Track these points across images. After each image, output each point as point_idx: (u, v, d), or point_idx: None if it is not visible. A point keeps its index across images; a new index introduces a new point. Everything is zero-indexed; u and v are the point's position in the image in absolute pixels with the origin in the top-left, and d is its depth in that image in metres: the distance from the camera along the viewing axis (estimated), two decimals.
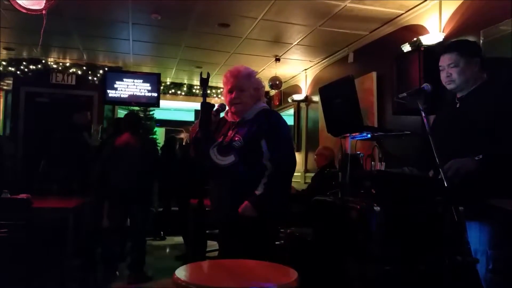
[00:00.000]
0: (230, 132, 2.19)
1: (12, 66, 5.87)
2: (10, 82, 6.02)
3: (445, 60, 1.99)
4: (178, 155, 5.92)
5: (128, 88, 6.15)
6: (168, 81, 7.06)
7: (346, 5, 3.75)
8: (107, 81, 6.07)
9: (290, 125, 6.45)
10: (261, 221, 2.05)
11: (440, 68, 2.02)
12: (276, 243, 2.93)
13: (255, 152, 2.09)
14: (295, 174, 5.72)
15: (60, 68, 6.06)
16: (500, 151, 1.78)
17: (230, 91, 2.20)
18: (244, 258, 1.75)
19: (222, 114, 2.32)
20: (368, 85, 4.35)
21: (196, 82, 7.08)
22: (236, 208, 2.05)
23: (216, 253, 3.05)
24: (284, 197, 2.16)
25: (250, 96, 2.18)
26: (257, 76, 2.30)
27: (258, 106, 2.21)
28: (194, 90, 7.27)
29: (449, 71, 1.97)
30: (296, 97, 6.16)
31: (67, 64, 6.08)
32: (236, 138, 2.12)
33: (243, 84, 2.18)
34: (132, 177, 3.91)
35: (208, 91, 6.64)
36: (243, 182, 2.07)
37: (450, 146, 1.88)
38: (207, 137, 2.09)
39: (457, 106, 2.00)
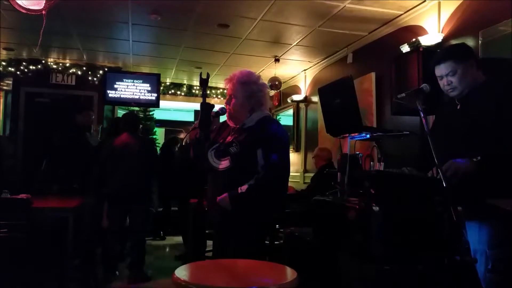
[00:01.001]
0: (230, 137, 2.20)
1: (12, 66, 5.87)
2: (10, 82, 6.01)
3: (442, 70, 1.97)
4: (177, 155, 5.93)
5: (128, 88, 6.16)
6: (168, 81, 7.06)
7: (345, 5, 3.75)
8: (107, 82, 6.07)
9: (290, 126, 6.47)
10: (253, 222, 2.06)
11: (438, 78, 2.01)
12: (276, 243, 2.94)
13: (251, 159, 2.09)
14: (294, 174, 5.71)
15: (60, 68, 6.06)
16: (499, 152, 1.78)
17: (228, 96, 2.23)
18: (238, 258, 1.76)
19: (224, 118, 2.32)
20: (367, 85, 4.35)
21: (196, 82, 7.09)
22: (228, 211, 2.07)
23: None
24: (272, 202, 2.13)
25: (240, 104, 2.17)
26: (260, 81, 2.24)
27: (259, 114, 2.20)
28: (193, 91, 7.28)
29: (449, 79, 1.96)
30: (296, 97, 6.17)
31: (67, 65, 6.08)
32: (234, 144, 2.13)
33: (235, 91, 2.18)
34: (131, 177, 3.91)
35: (208, 92, 6.65)
36: (237, 187, 2.07)
37: (450, 147, 1.88)
38: (206, 138, 2.11)
39: (458, 107, 2.01)
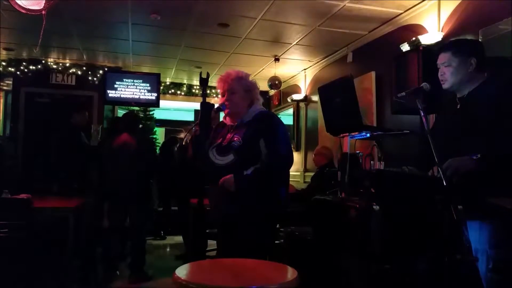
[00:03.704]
0: (229, 134, 2.22)
1: (12, 67, 5.87)
2: (10, 82, 6.02)
3: (440, 59, 2.00)
4: (175, 155, 5.93)
5: (128, 88, 6.15)
6: (168, 81, 7.06)
7: (345, 4, 3.75)
8: (107, 81, 6.06)
9: (290, 125, 6.47)
10: (257, 220, 2.06)
11: (438, 66, 2.03)
12: (276, 242, 2.94)
13: (254, 151, 2.12)
14: (294, 173, 5.70)
15: (60, 68, 6.06)
16: (498, 150, 1.78)
17: (222, 95, 2.26)
18: (242, 257, 1.76)
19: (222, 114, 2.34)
20: (367, 84, 4.35)
21: (196, 82, 7.08)
22: (234, 208, 2.07)
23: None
24: (277, 192, 2.16)
25: (241, 98, 2.23)
26: (251, 78, 2.34)
27: (255, 108, 2.25)
28: (193, 90, 7.28)
29: (442, 69, 1.98)
30: (296, 96, 6.17)
31: (67, 65, 6.08)
32: (235, 139, 2.16)
33: (233, 86, 2.22)
34: (131, 177, 3.91)
35: (208, 91, 6.65)
36: None
37: (451, 146, 1.88)
38: (206, 137, 2.12)
39: (458, 107, 2.01)
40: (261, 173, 2.08)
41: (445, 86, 1.99)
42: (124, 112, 5.61)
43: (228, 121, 2.29)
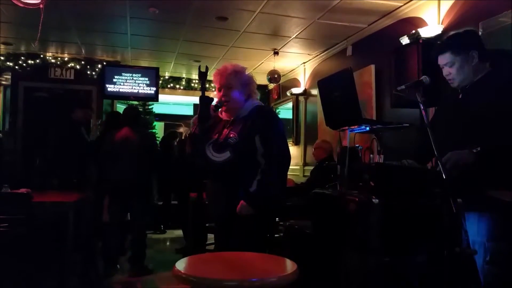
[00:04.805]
0: (225, 130, 2.20)
1: (10, 61, 5.85)
2: (9, 77, 6.00)
3: (442, 60, 1.98)
4: (175, 149, 5.93)
5: (126, 82, 6.13)
6: (167, 75, 7.04)
7: None
8: (106, 76, 6.04)
9: (289, 119, 6.46)
10: (256, 215, 2.06)
11: (441, 66, 2.01)
12: (275, 235, 2.95)
13: (250, 148, 2.10)
14: (294, 167, 5.72)
15: (58, 62, 6.03)
16: (498, 143, 1.78)
17: (219, 90, 2.23)
18: (241, 250, 1.76)
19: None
20: (366, 78, 4.34)
21: (195, 76, 7.06)
22: (231, 203, 2.08)
23: None
24: (278, 191, 2.17)
25: (238, 93, 2.21)
26: (250, 72, 2.31)
27: (251, 103, 2.23)
28: (192, 84, 7.26)
29: (447, 70, 1.97)
30: (295, 90, 6.15)
31: (66, 59, 6.05)
32: (231, 135, 2.14)
33: (230, 81, 2.20)
34: (132, 172, 3.91)
35: (207, 85, 6.63)
36: (238, 178, 2.10)
37: (451, 138, 1.88)
38: (204, 133, 2.11)
39: (460, 96, 2.00)
40: (264, 183, 2.07)
41: (454, 85, 1.98)
42: (124, 106, 5.59)
43: (224, 116, 2.27)
